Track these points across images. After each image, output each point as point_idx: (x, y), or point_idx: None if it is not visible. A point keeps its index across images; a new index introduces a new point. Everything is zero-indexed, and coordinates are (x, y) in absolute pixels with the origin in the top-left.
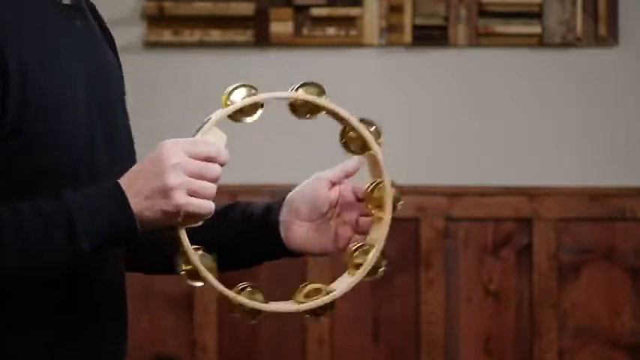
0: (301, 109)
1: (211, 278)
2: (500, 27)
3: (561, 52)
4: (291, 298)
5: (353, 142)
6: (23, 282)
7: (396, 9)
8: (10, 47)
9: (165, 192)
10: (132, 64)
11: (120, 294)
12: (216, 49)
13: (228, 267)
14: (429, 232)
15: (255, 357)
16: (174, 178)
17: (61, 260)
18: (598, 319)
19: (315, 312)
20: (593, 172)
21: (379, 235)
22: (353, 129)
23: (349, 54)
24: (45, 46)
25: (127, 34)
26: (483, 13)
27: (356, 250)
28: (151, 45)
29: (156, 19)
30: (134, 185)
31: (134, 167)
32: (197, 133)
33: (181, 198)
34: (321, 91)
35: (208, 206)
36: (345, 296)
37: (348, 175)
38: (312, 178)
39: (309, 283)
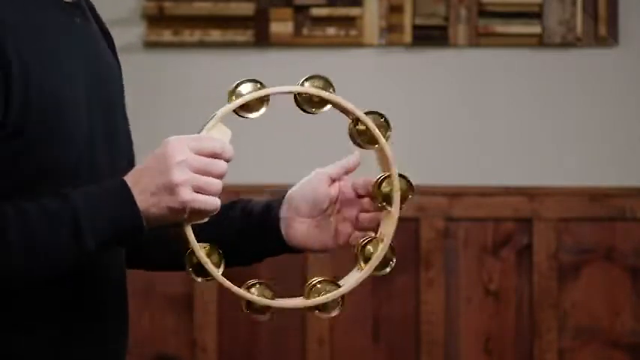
0: (307, 103)
1: (218, 275)
2: (500, 27)
3: (561, 52)
4: (297, 295)
5: (361, 136)
6: (29, 281)
7: (396, 9)
8: (12, 47)
9: (171, 188)
10: (132, 64)
11: (122, 292)
12: (216, 49)
13: (228, 264)
14: (429, 232)
15: (255, 357)
16: (179, 175)
17: (66, 258)
18: (598, 319)
19: (325, 307)
20: (593, 172)
21: (388, 229)
22: (360, 122)
23: (349, 54)
24: (46, 45)
25: (127, 34)
26: (483, 13)
27: (366, 243)
28: (151, 45)
29: (156, 19)
30: (139, 183)
31: (139, 165)
32: (202, 129)
33: (187, 194)
34: (327, 84)
35: (214, 202)
36: (344, 296)
37: (348, 171)
38: (312, 175)
39: (318, 279)
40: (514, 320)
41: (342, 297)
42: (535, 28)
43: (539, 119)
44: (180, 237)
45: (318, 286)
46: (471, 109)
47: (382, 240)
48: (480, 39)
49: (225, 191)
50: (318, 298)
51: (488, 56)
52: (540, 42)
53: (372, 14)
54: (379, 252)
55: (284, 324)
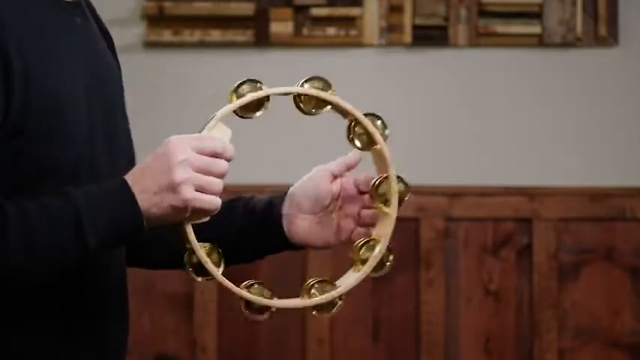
0: (306, 104)
1: (218, 274)
2: (500, 27)
3: (561, 52)
4: (297, 294)
5: (359, 137)
6: (29, 280)
7: (396, 9)
8: (14, 46)
9: (174, 187)
10: (132, 64)
11: (123, 292)
12: (216, 49)
13: (230, 261)
14: (429, 232)
15: (255, 357)
16: (181, 174)
17: (67, 258)
18: (598, 319)
19: (324, 307)
20: (593, 172)
21: (385, 230)
22: (359, 123)
23: (349, 54)
24: (46, 44)
25: (127, 34)
26: (483, 13)
27: (362, 245)
28: (151, 45)
29: (156, 19)
30: (140, 182)
31: (139, 164)
32: (203, 129)
33: (189, 193)
34: (326, 85)
35: (215, 202)
36: (345, 296)
37: (349, 168)
38: (314, 171)
39: (316, 279)
40: (514, 320)
41: (340, 297)
42: (535, 28)
43: (539, 119)
44: (179, 237)
45: (317, 286)
46: (471, 109)
47: (379, 241)
48: (480, 39)
49: (226, 191)
50: (317, 298)
51: (488, 56)
52: (540, 42)
53: (372, 14)
54: (377, 252)
55: (284, 324)
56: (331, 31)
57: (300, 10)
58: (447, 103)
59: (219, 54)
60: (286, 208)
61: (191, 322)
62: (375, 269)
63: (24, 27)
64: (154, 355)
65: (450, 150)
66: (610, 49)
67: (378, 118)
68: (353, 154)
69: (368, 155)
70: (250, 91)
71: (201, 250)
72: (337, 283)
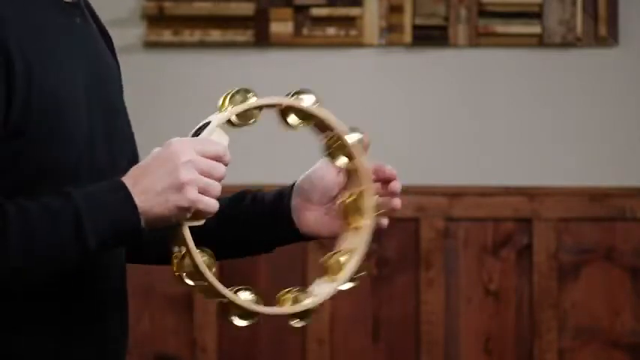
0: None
1: (213, 278)
2: (500, 27)
3: (561, 52)
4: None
5: (337, 152)
6: (28, 280)
7: (396, 9)
8: (15, 46)
9: (179, 187)
10: (132, 64)
11: (123, 292)
12: (216, 49)
13: (240, 254)
14: (429, 232)
15: (255, 357)
16: (187, 174)
17: (67, 258)
18: (598, 319)
19: (299, 315)
20: (593, 172)
21: (358, 241)
22: (338, 139)
23: (349, 54)
24: (47, 44)
25: (126, 34)
26: (483, 13)
27: (333, 256)
28: (151, 45)
29: (156, 19)
30: (142, 182)
31: (138, 165)
32: (198, 134)
33: (194, 194)
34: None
35: (215, 205)
36: (345, 296)
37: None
38: (320, 163)
39: (288, 289)
40: (514, 320)
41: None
42: (535, 28)
43: (539, 119)
44: (172, 239)
45: (291, 295)
46: (471, 109)
47: (354, 251)
48: (480, 39)
49: (226, 191)
50: (301, 304)
51: (488, 56)
52: (540, 42)
53: (372, 14)
54: (354, 264)
55: (284, 324)
56: (331, 31)
57: (300, 10)
58: (447, 103)
59: (219, 54)
60: (295, 200)
61: (191, 322)
62: (350, 280)
63: (24, 27)
64: (154, 355)
65: (450, 150)
66: (610, 49)
67: (356, 132)
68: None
69: (372, 148)
70: (243, 101)
71: (198, 252)
72: (310, 291)
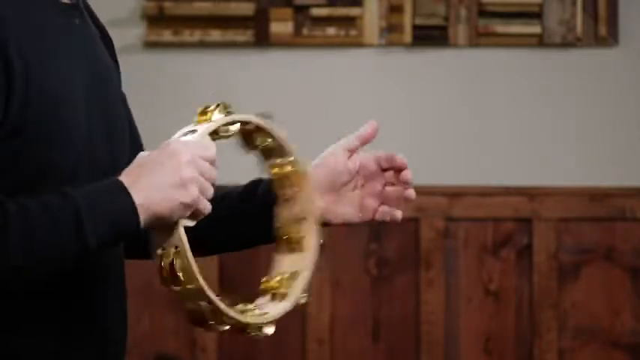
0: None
1: (202, 280)
2: (500, 27)
3: (561, 52)
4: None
5: (283, 179)
6: (28, 279)
7: (396, 9)
8: (14, 46)
9: (184, 184)
10: (132, 64)
11: (122, 292)
12: (216, 49)
13: (255, 242)
14: (429, 232)
15: (255, 357)
16: (190, 172)
17: (67, 257)
18: (598, 319)
19: (250, 329)
20: (593, 172)
21: (303, 263)
22: (292, 166)
23: (349, 54)
24: (46, 45)
25: (127, 34)
26: (483, 13)
27: (275, 278)
28: (150, 45)
29: (156, 19)
30: (141, 180)
31: (136, 163)
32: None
33: (196, 191)
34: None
35: (209, 207)
36: (345, 296)
37: (364, 142)
38: (329, 150)
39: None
40: (514, 320)
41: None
42: (535, 28)
43: (539, 119)
44: (159, 239)
45: (240, 307)
46: (471, 109)
47: (292, 273)
48: (480, 39)
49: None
50: (258, 319)
51: (488, 56)
52: (540, 42)
53: (372, 14)
54: (302, 285)
55: (284, 324)
56: (331, 31)
57: (300, 10)
58: (447, 103)
59: (219, 54)
60: None
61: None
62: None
63: (24, 27)
64: (154, 355)
65: (450, 150)
66: (610, 49)
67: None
68: (367, 127)
69: (380, 139)
70: (224, 114)
71: (191, 254)
72: (263, 308)
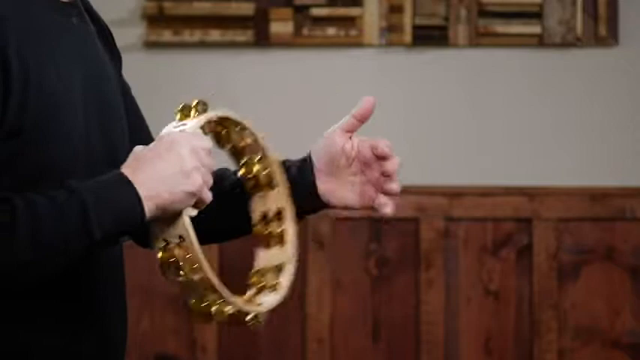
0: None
1: (208, 268)
2: (500, 27)
3: (561, 52)
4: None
5: (256, 177)
6: (36, 274)
7: (396, 9)
8: (12, 46)
9: (188, 173)
10: (132, 64)
11: (122, 292)
12: (216, 49)
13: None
14: (429, 232)
15: (255, 357)
16: (193, 161)
17: (73, 251)
18: (598, 319)
19: (244, 319)
20: (593, 172)
21: (286, 256)
22: (263, 164)
23: (349, 54)
24: (44, 43)
25: (127, 34)
26: (483, 13)
27: (256, 273)
28: (150, 45)
29: (156, 19)
30: (143, 171)
31: (133, 157)
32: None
33: (200, 180)
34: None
35: (211, 195)
36: (345, 296)
37: (362, 119)
38: (328, 132)
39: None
40: (514, 320)
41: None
42: (535, 28)
43: (539, 119)
44: (162, 230)
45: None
46: (471, 109)
47: (272, 268)
48: (480, 39)
49: None
50: (258, 307)
51: (488, 56)
52: (540, 42)
53: (372, 14)
54: (288, 277)
55: (284, 324)
56: (331, 31)
57: (300, 10)
58: (447, 103)
59: (219, 54)
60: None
61: (191, 322)
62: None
63: (22, 26)
64: (154, 355)
65: (450, 150)
66: (610, 49)
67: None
68: (363, 104)
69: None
70: (205, 111)
71: (198, 244)
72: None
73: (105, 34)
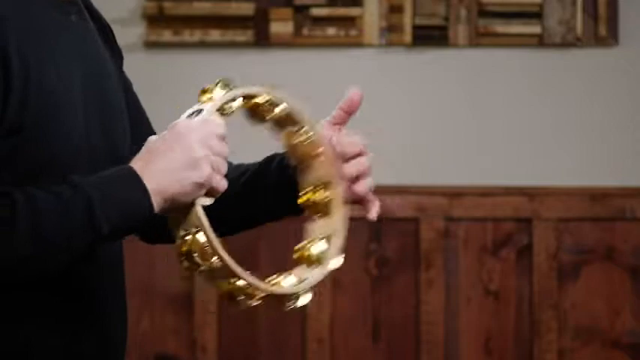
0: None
1: (227, 256)
2: (500, 27)
3: (561, 52)
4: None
5: (300, 148)
6: (40, 269)
7: (396, 9)
8: (13, 44)
9: (195, 163)
10: (132, 64)
11: (122, 292)
12: (216, 49)
13: (272, 217)
14: (429, 232)
15: (255, 357)
16: (200, 150)
17: (78, 246)
18: (598, 319)
19: (294, 299)
20: (593, 172)
21: (333, 227)
22: (305, 133)
23: (349, 54)
24: (44, 42)
25: (127, 34)
26: (483, 13)
27: (307, 244)
28: (150, 45)
29: (156, 19)
30: (151, 164)
31: (146, 149)
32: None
33: (209, 169)
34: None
35: (224, 183)
36: (345, 296)
37: (349, 110)
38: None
39: (281, 273)
40: (514, 320)
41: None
42: (535, 28)
43: (539, 119)
44: (178, 222)
45: (282, 279)
46: (471, 109)
47: (324, 238)
48: (480, 39)
49: None
50: (298, 286)
51: (488, 56)
52: (540, 42)
53: (372, 14)
54: (337, 247)
55: (284, 324)
56: (331, 31)
57: (300, 10)
58: (447, 103)
59: (219, 54)
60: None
61: (191, 322)
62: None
63: (22, 25)
64: (154, 355)
65: (450, 150)
66: (610, 49)
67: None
68: (351, 96)
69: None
70: (227, 91)
71: (213, 232)
72: (299, 275)
73: (105, 31)
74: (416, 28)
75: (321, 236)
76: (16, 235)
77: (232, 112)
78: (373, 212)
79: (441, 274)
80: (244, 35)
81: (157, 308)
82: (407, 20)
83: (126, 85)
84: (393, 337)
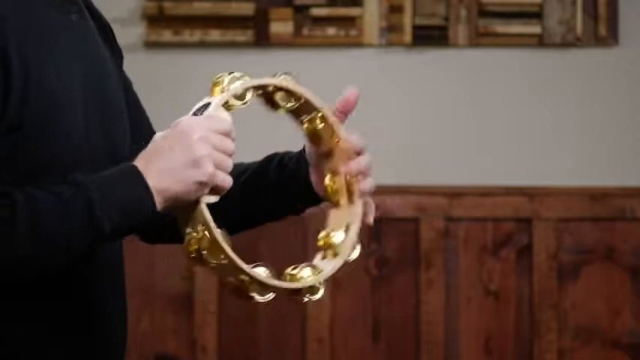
0: (282, 100)
1: (233, 254)
2: (500, 27)
3: (561, 52)
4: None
5: (320, 135)
6: (41, 268)
7: (396, 9)
8: (13, 44)
9: (197, 162)
10: (132, 64)
11: (122, 292)
12: (216, 49)
13: (269, 218)
14: (429, 232)
15: (255, 357)
16: (203, 149)
17: (79, 245)
18: (598, 319)
19: (312, 290)
20: (593, 172)
21: (350, 216)
22: (321, 120)
23: (349, 54)
24: (44, 41)
25: (127, 34)
26: (483, 13)
27: (326, 236)
28: (150, 45)
29: (156, 19)
30: (154, 163)
31: (150, 146)
32: (197, 115)
33: (212, 167)
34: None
35: (229, 180)
36: (345, 296)
37: (345, 109)
38: None
39: (297, 266)
40: (514, 320)
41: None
42: (535, 28)
43: (539, 119)
44: (184, 220)
45: (298, 271)
46: (471, 109)
47: (348, 227)
48: (480, 39)
49: None
50: (308, 280)
51: (488, 56)
52: (540, 42)
53: (372, 14)
54: (354, 238)
55: (284, 324)
56: (331, 31)
57: (300, 10)
58: (447, 103)
59: (219, 54)
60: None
61: (191, 322)
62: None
63: (22, 24)
64: (154, 355)
65: (450, 150)
66: (610, 49)
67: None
68: (348, 95)
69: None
70: (235, 83)
71: (217, 229)
72: (317, 265)
73: (105, 30)
74: (416, 28)
75: (341, 225)
76: (16, 235)
77: (245, 103)
78: (370, 218)
79: (441, 274)
80: (244, 35)
81: (156, 308)
82: (407, 20)
83: (126, 85)
84: (393, 337)
